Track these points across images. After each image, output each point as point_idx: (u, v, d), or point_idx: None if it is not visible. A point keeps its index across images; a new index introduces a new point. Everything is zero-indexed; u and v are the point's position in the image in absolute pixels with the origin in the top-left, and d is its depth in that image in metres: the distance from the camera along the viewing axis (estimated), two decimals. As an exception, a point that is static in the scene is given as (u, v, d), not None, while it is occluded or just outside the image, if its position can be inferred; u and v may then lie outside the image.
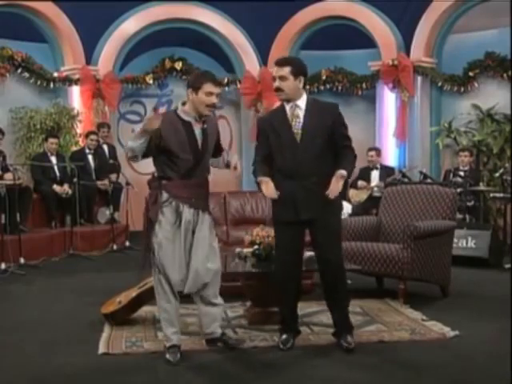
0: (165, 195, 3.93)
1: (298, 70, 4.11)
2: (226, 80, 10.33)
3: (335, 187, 3.98)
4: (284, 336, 4.23)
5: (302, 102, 4.15)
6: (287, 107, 4.16)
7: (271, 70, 9.09)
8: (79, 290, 6.11)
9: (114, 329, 4.63)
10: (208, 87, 3.90)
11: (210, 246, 4.04)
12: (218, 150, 4.20)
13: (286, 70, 4.07)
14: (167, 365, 3.90)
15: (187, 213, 3.94)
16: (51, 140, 8.73)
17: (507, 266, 7.04)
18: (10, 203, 7.30)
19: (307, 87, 9.54)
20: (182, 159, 3.91)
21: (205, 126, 4.00)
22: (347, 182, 4.27)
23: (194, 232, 3.97)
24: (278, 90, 4.12)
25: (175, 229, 3.93)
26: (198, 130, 3.99)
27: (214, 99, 3.93)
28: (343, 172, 4.00)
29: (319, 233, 4.11)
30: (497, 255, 7.34)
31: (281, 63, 4.13)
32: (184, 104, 4.00)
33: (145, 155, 3.95)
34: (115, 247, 8.54)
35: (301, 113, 4.13)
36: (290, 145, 4.07)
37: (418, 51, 9.78)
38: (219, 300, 4.14)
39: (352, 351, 4.08)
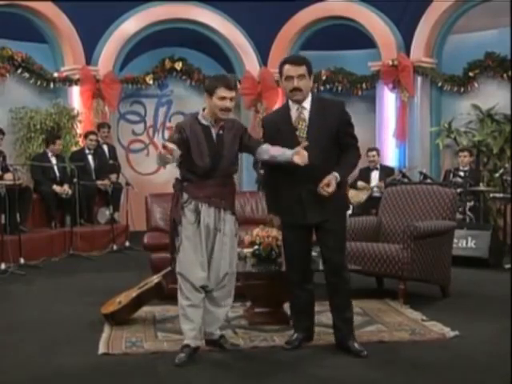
0: (185, 196, 4.03)
1: (311, 68, 4.05)
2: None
3: (328, 183, 3.92)
4: (293, 336, 4.25)
5: (307, 102, 4.08)
6: (293, 109, 4.09)
7: (272, 70, 9.03)
8: (79, 290, 6.11)
9: (114, 329, 4.62)
10: (221, 92, 3.93)
11: (231, 248, 4.10)
12: (250, 148, 4.15)
13: (304, 69, 4.00)
14: (167, 365, 3.89)
15: (206, 212, 4.01)
16: (58, 142, 8.74)
17: (507, 266, 7.05)
18: (10, 203, 7.29)
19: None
20: (200, 161, 3.98)
21: (221, 131, 4.04)
22: (346, 183, 4.25)
23: (218, 230, 4.03)
24: (297, 89, 4.02)
25: (195, 228, 4.00)
26: (215, 133, 4.04)
27: (227, 103, 3.95)
28: (336, 175, 3.96)
29: (325, 235, 4.10)
30: (497, 255, 7.34)
31: (298, 62, 4.03)
32: (204, 109, 4.06)
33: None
34: (115, 247, 8.54)
35: (307, 115, 4.06)
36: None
37: (418, 51, 9.78)
38: (228, 301, 4.18)
39: (366, 357, 4.01)
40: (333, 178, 3.95)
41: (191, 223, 4.00)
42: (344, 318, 4.16)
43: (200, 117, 4.06)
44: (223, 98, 3.94)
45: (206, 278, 4.01)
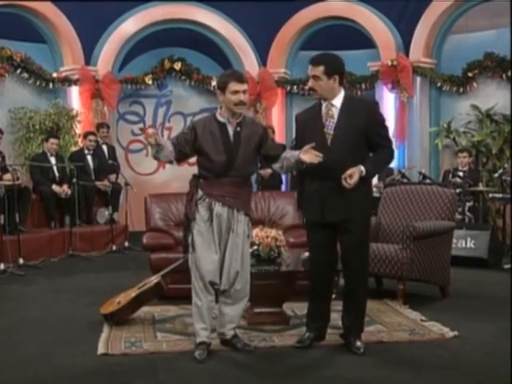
0: (200, 193, 4.05)
1: (333, 68, 4.05)
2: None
3: (351, 175, 3.89)
4: (305, 335, 4.25)
5: (338, 100, 4.07)
6: (323, 106, 4.11)
7: (272, 70, 9.03)
8: (78, 290, 6.11)
9: (113, 329, 4.62)
10: (233, 86, 3.96)
11: (243, 249, 4.10)
12: (268, 155, 4.17)
13: (320, 70, 4.01)
14: (166, 365, 3.90)
15: (220, 211, 4.03)
16: (52, 140, 8.73)
17: (506, 266, 7.06)
18: (9, 204, 7.30)
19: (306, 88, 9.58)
20: (216, 158, 4.01)
21: (238, 128, 4.05)
22: (370, 184, 4.22)
23: (230, 230, 4.04)
24: (311, 89, 4.09)
25: (208, 226, 4.02)
26: (232, 130, 4.06)
27: (240, 97, 3.97)
28: (362, 169, 3.93)
29: (344, 235, 4.09)
30: (496, 255, 7.35)
31: (315, 62, 4.05)
32: (221, 107, 4.09)
33: (182, 158, 4.10)
34: (114, 248, 8.54)
35: (336, 112, 4.06)
36: (320, 146, 3.95)
37: (418, 52, 9.79)
38: (242, 304, 4.19)
39: (362, 355, 4.05)
40: (357, 170, 3.92)
41: (204, 220, 4.02)
42: (354, 316, 4.17)
43: (217, 114, 4.09)
44: (236, 92, 3.96)
45: (216, 273, 4.01)
